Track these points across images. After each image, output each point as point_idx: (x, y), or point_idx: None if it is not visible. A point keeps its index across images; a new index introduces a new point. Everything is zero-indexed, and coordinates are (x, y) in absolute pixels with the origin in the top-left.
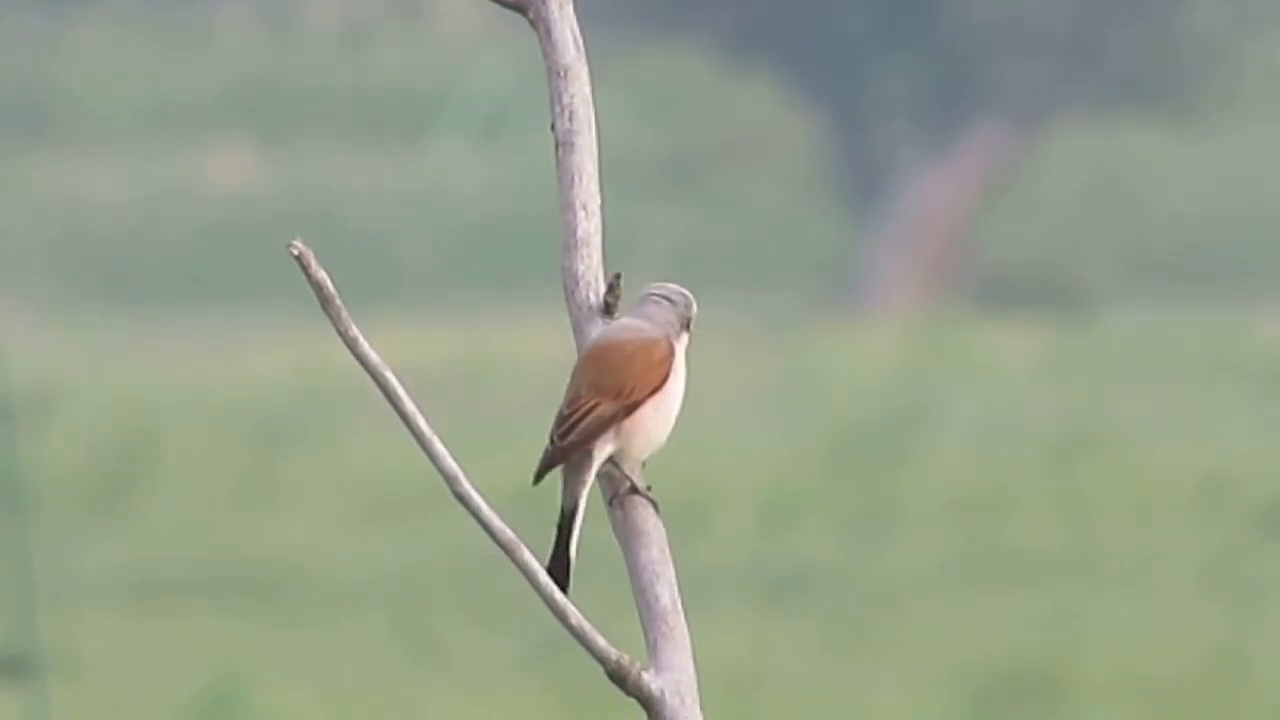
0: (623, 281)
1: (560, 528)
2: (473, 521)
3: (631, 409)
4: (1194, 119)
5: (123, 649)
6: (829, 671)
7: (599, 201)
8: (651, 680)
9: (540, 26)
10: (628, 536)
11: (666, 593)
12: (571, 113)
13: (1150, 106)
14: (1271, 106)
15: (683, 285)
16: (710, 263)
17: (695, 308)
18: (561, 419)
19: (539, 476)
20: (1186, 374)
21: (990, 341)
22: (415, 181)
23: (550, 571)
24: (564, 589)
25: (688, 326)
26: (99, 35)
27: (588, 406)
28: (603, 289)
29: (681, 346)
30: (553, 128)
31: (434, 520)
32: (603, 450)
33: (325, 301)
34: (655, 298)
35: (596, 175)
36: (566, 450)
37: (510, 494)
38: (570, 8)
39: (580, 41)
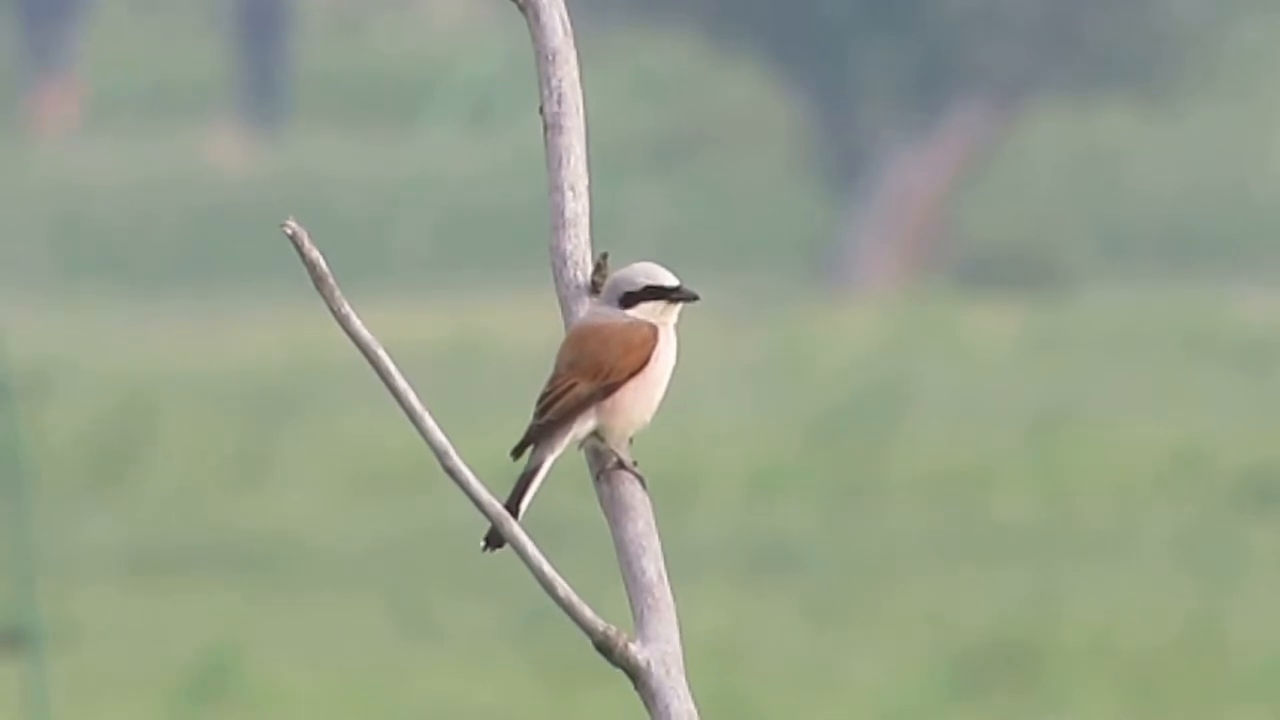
0: (609, 260)
1: (519, 480)
2: (463, 495)
3: (610, 390)
4: (1170, 100)
5: (119, 621)
6: (812, 643)
7: (586, 183)
8: (638, 651)
9: (529, 11)
10: (615, 511)
11: (653, 565)
12: (560, 95)
13: (1127, 88)
14: (1246, 88)
15: (660, 264)
16: (695, 243)
17: (649, 278)
18: (542, 397)
19: (518, 451)
20: (1163, 351)
21: (970, 320)
22: (407, 164)
23: (505, 506)
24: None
25: (656, 296)
26: (97, 19)
27: (566, 385)
28: (590, 268)
29: (667, 329)
30: (541, 110)
31: (424, 494)
32: (582, 427)
33: (318, 280)
34: (607, 292)
35: (584, 157)
36: (546, 428)
37: (499, 469)
38: None
39: (568, 25)
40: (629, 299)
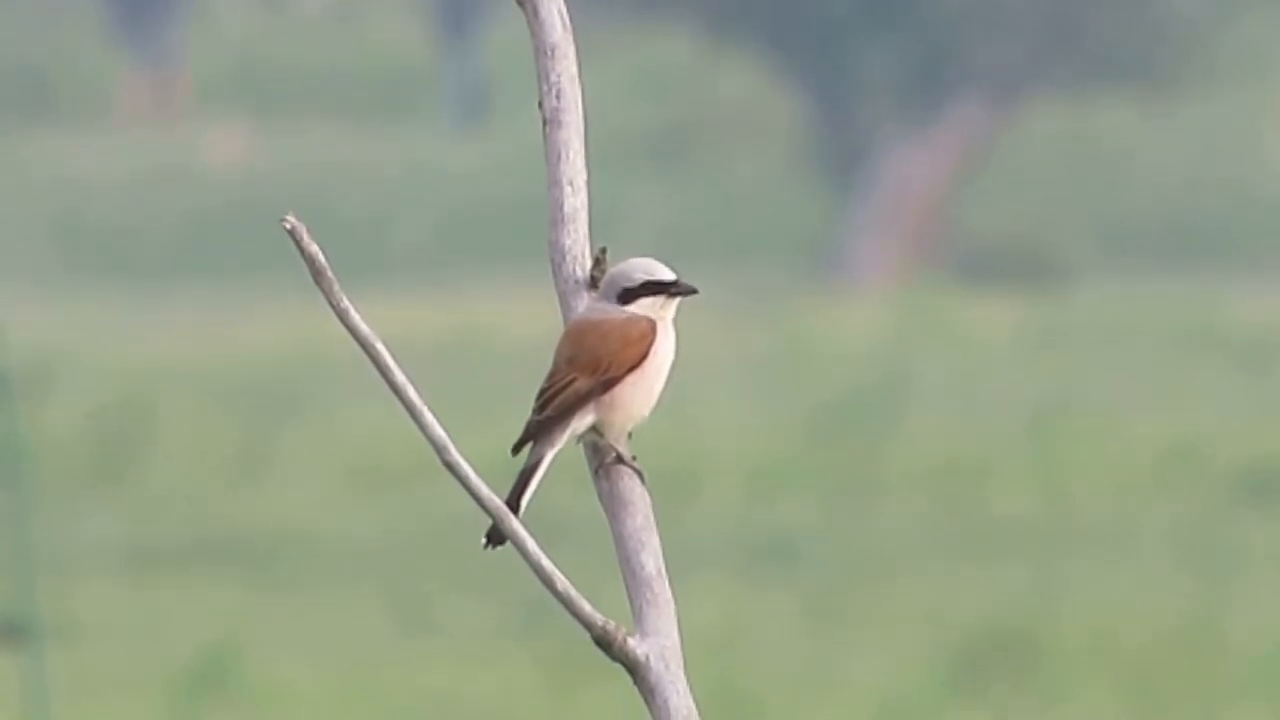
0: (609, 256)
1: (519, 476)
2: (462, 490)
3: (609, 384)
4: (1168, 96)
5: (119, 615)
6: (810, 637)
7: (585, 178)
8: (637, 646)
9: (528, 5)
10: (614, 505)
11: (651, 560)
12: (559, 90)
13: (1125, 84)
14: (1245, 84)
15: (658, 259)
16: (695, 238)
17: (647, 273)
18: (541, 392)
19: (517, 447)
20: (1160, 346)
21: (969, 314)
22: (406, 159)
23: (506, 503)
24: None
25: (654, 291)
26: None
27: (565, 381)
28: (589, 263)
29: (665, 323)
30: (540, 106)
31: (424, 490)
32: (581, 422)
33: (317, 274)
34: (604, 289)
35: (583, 152)
36: (545, 423)
37: (499, 463)
38: None
39: (567, 20)
40: (627, 294)
